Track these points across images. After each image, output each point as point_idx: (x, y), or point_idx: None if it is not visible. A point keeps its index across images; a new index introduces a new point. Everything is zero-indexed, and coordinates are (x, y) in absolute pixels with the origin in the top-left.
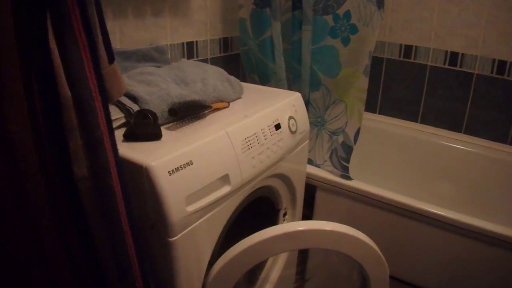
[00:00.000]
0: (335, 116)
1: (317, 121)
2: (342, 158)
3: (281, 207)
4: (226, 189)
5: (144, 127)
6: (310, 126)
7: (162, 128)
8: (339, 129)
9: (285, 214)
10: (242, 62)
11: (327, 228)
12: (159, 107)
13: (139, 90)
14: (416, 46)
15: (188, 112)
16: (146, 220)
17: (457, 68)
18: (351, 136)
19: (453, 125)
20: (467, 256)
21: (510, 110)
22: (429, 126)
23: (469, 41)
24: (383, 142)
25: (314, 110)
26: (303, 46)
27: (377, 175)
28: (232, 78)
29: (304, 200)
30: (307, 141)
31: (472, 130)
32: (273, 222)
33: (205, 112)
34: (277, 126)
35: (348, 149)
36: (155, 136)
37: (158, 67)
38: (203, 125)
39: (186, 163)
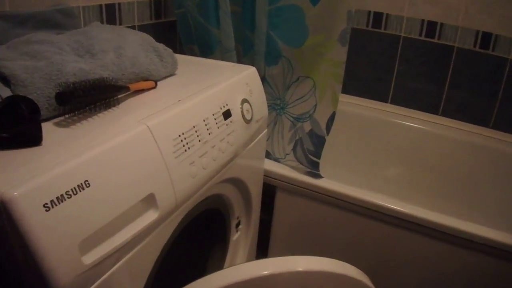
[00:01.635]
0: (299, 97)
1: (275, 104)
2: (310, 152)
3: (233, 218)
4: (151, 217)
5: (14, 125)
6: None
7: (46, 125)
8: (305, 114)
9: (238, 224)
10: (178, 29)
11: (301, 269)
12: (43, 91)
13: (15, 66)
14: (387, 14)
15: (89, 97)
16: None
17: (435, 40)
18: (322, 124)
19: (429, 106)
20: (449, 262)
21: (493, 90)
22: (400, 107)
23: (449, 10)
24: (348, 127)
25: (271, 89)
26: (257, 6)
27: (344, 167)
28: (161, 46)
29: (262, 201)
30: (265, 131)
31: (450, 112)
32: (224, 236)
33: (118, 96)
34: (226, 114)
35: (318, 140)
36: (30, 139)
37: None
38: (112, 118)
39: (79, 185)
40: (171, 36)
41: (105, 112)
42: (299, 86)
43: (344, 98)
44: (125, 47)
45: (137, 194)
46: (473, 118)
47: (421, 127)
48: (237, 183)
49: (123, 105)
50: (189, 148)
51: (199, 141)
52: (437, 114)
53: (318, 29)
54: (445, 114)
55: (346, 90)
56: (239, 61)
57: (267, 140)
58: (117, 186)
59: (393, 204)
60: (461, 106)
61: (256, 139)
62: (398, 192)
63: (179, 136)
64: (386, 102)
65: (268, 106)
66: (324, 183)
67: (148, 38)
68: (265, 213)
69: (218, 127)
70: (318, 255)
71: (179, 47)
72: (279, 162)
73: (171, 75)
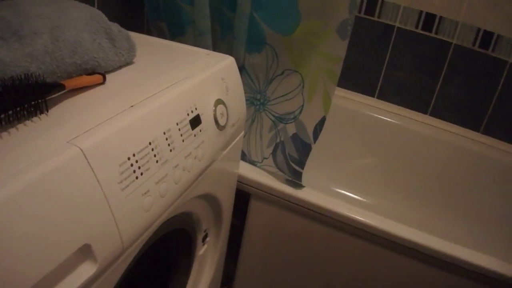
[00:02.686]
0: (283, 94)
1: (254, 98)
2: (292, 159)
3: (200, 232)
4: (87, 272)
5: None
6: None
7: None
8: (289, 114)
9: (205, 237)
10: (144, 1)
11: None
12: None
13: None
14: (382, 1)
15: (6, 103)
16: None
17: (432, 35)
18: (309, 129)
19: (418, 104)
20: None
21: (488, 93)
22: (388, 103)
23: (450, 3)
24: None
25: (251, 81)
26: None
27: (318, 159)
28: (115, 27)
29: (234, 206)
30: (242, 133)
31: (440, 112)
32: (189, 252)
33: (48, 97)
34: (195, 121)
35: (303, 147)
36: None
37: None
38: (32, 135)
39: None
40: (137, 11)
41: (26, 123)
42: (284, 81)
43: None
44: (65, 27)
45: (65, 249)
46: (464, 120)
47: (408, 126)
48: (207, 198)
49: (53, 112)
50: (141, 174)
51: (157, 162)
52: (426, 113)
53: (313, 15)
54: (434, 114)
55: None
56: (215, 45)
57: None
58: (33, 240)
59: (376, 222)
60: (453, 106)
61: (231, 145)
62: (374, 189)
63: (128, 159)
64: (373, 96)
65: (246, 100)
66: (305, 194)
67: (98, 15)
68: (237, 219)
69: (183, 140)
70: (290, 268)
71: (147, 24)
72: (255, 165)
73: (127, 64)
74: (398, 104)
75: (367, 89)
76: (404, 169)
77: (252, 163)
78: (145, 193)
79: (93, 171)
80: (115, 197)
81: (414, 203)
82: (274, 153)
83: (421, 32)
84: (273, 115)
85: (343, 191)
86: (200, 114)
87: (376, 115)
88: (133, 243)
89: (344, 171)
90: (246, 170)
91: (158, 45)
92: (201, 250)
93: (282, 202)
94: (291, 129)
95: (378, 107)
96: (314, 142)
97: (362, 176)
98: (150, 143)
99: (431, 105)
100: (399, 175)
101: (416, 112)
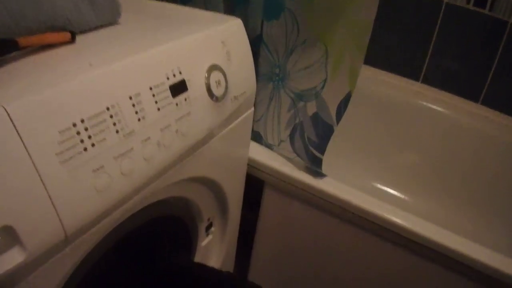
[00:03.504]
0: (304, 66)
1: (272, 73)
2: (312, 143)
3: (201, 221)
4: (12, 260)
5: None
6: (262, 81)
7: None
8: (310, 90)
9: (210, 227)
10: None
11: None
12: None
13: None
14: None
15: None
16: None
17: (485, 11)
18: (332, 107)
19: (469, 92)
20: None
21: (487, 59)
22: (434, 89)
23: None
24: (368, 107)
25: (269, 54)
26: None
27: (346, 151)
28: None
29: (247, 195)
30: (251, 110)
31: (494, 102)
32: (189, 243)
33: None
34: (178, 87)
35: (324, 130)
36: None
37: None
38: None
39: None
40: None
41: None
42: (305, 52)
43: None
44: None
45: None
46: (461, 89)
47: (454, 116)
48: (206, 183)
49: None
50: (93, 145)
51: (117, 132)
52: (418, 81)
53: None
54: (426, 81)
55: None
56: (227, 13)
57: (258, 119)
58: None
59: (412, 225)
60: (510, 95)
61: (235, 123)
62: (415, 186)
63: (74, 125)
64: (417, 80)
65: (264, 75)
66: (326, 185)
67: None
68: (250, 210)
69: (158, 109)
70: (306, 265)
71: None
72: (271, 149)
73: (110, 24)
74: (446, 91)
75: (410, 73)
76: (451, 166)
77: (269, 146)
78: (98, 170)
79: (19, 136)
80: (51, 171)
81: (462, 206)
82: (292, 135)
83: (473, 8)
84: (292, 92)
85: (381, 186)
86: (186, 79)
87: (420, 102)
88: (85, 230)
89: (383, 164)
90: (261, 154)
91: (154, 6)
92: (205, 241)
93: (299, 192)
94: (311, 108)
95: (422, 93)
96: (337, 123)
97: (402, 171)
98: (108, 108)
99: (483, 93)
100: (445, 172)
101: (467, 100)
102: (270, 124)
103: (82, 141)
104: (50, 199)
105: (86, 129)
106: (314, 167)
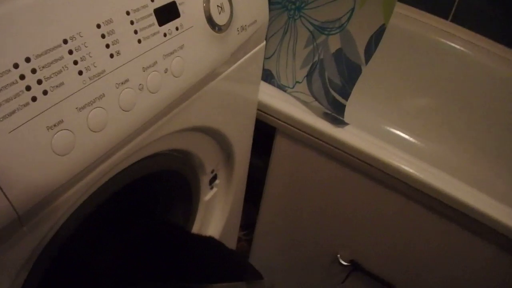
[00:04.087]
0: None
1: (287, 0)
2: (334, 87)
3: (203, 174)
4: None
5: None
6: (275, 9)
7: None
8: (333, 22)
9: (214, 179)
10: None
11: None
12: None
13: None
14: None
15: None
16: None
17: None
18: (360, 43)
19: (439, 9)
20: None
21: None
22: (465, 29)
23: None
24: (388, 44)
25: None
26: None
27: (379, 103)
28: None
29: (254, 142)
30: (262, 45)
31: (463, 20)
32: (189, 198)
33: None
34: (167, 12)
35: (349, 70)
36: None
37: None
38: None
39: None
40: None
41: None
42: None
43: None
44: None
45: None
46: (488, 30)
47: (484, 60)
48: (208, 132)
49: None
50: (45, 93)
51: (80, 73)
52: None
53: None
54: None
55: None
56: None
57: (270, 56)
58: None
59: (439, 182)
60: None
61: (243, 59)
62: (432, 131)
63: (15, 66)
64: (446, 18)
65: (277, 3)
66: (347, 135)
67: None
68: (260, 158)
69: (139, 41)
70: (316, 218)
71: None
72: (284, 91)
73: None
74: (477, 32)
75: (439, 10)
76: (470, 113)
77: (282, 88)
78: (55, 126)
79: None
80: None
81: (479, 154)
82: (309, 76)
83: None
84: (311, 24)
85: (393, 130)
86: (177, 2)
87: (446, 42)
88: (48, 203)
89: (399, 107)
90: (272, 98)
91: None
92: (208, 195)
93: (316, 142)
94: (334, 43)
95: (450, 33)
96: (366, 62)
97: (416, 115)
98: (65, 41)
99: (453, 9)
100: (463, 119)
101: (499, 45)
102: (284, 61)
103: (28, 88)
104: None
105: (33, 71)
106: (336, 113)
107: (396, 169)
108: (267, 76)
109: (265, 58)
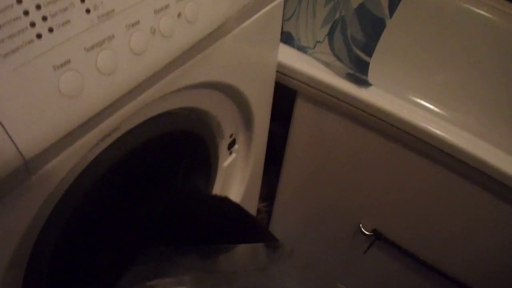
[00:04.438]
0: None
1: None
2: (357, 44)
3: (221, 138)
4: None
5: None
6: None
7: None
8: None
9: (233, 144)
10: None
11: None
12: None
13: None
14: None
15: None
16: None
17: None
18: None
19: None
20: None
21: None
22: None
23: None
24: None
25: None
26: None
27: (404, 72)
28: None
29: (274, 107)
30: (279, 1)
31: None
32: (208, 163)
33: None
34: None
35: (372, 25)
36: None
37: None
38: None
39: None
40: None
41: None
42: None
43: None
44: None
45: None
46: None
47: None
48: (224, 90)
49: None
50: (50, 31)
51: (88, 12)
52: None
53: None
54: None
55: None
56: None
57: (289, 17)
58: None
59: (463, 142)
60: None
61: (258, 14)
62: (459, 102)
63: (18, 2)
64: None
65: None
66: (371, 96)
67: None
68: (279, 125)
69: None
70: (340, 187)
71: None
72: (305, 52)
73: None
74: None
75: None
76: (499, 82)
77: (302, 49)
78: (62, 66)
79: None
80: None
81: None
82: (331, 34)
83: None
84: None
85: (417, 99)
86: None
87: (473, 8)
88: (57, 151)
89: (421, 75)
90: (292, 59)
91: None
92: (227, 160)
93: (338, 104)
94: None
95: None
96: (390, 16)
97: (442, 85)
98: None
99: None
100: (492, 89)
101: None
102: (304, 21)
103: (33, 24)
104: None
105: (38, 7)
106: (359, 72)
107: (423, 131)
108: (287, 38)
109: (284, 20)
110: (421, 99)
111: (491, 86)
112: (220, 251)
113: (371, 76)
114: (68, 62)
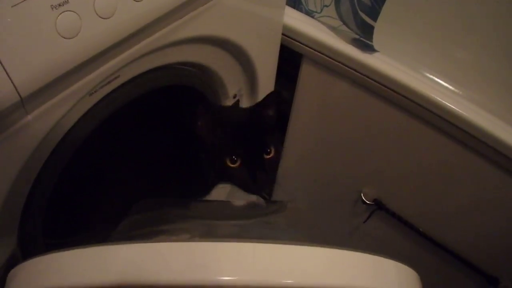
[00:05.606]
0: None
1: None
2: (363, 7)
3: (225, 97)
4: None
5: None
6: None
7: None
8: None
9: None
10: None
11: None
12: None
13: None
14: None
15: None
16: None
17: None
18: None
19: None
20: None
21: None
22: None
23: None
24: None
25: None
26: None
27: (418, 47)
28: None
29: (279, 70)
30: None
31: None
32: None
33: None
34: None
35: None
36: None
37: None
38: None
39: None
40: None
41: None
42: None
43: None
44: None
45: None
46: None
47: None
48: (228, 48)
49: None
50: None
51: None
52: None
53: None
54: None
55: None
56: None
57: None
58: None
59: (468, 113)
60: None
61: None
62: (472, 81)
63: None
64: None
65: None
66: (376, 61)
67: None
68: (285, 88)
69: None
70: (343, 153)
71: None
72: (312, 17)
73: None
74: None
75: None
76: None
77: (309, 13)
78: (60, 5)
79: None
80: None
81: None
82: None
83: None
84: None
85: (431, 75)
86: None
87: None
88: (55, 92)
89: (435, 50)
90: (299, 22)
91: None
92: None
93: (343, 69)
94: None
95: None
96: None
97: (457, 62)
98: None
99: None
100: (507, 67)
101: None
102: None
103: None
104: None
105: None
106: (365, 37)
107: (429, 100)
108: (295, 2)
109: None
110: (434, 75)
111: (507, 65)
112: (214, 205)
113: (385, 49)
114: (66, 2)
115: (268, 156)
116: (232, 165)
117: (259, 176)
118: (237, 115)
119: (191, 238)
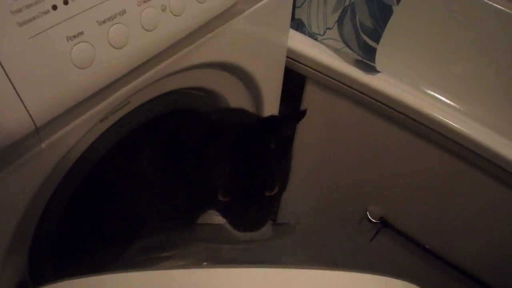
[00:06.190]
0: None
1: None
2: (365, 30)
3: None
4: None
5: None
6: None
7: None
8: None
9: None
10: None
11: None
12: None
13: None
14: None
15: None
16: None
17: None
18: None
19: None
20: None
21: None
22: None
23: None
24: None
25: None
26: None
27: (419, 64)
28: None
29: (284, 92)
30: None
31: None
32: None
33: None
34: None
35: (380, 10)
36: None
37: None
38: None
39: None
40: None
41: None
42: None
43: None
44: None
45: None
46: None
47: None
48: (235, 72)
49: None
50: (66, 3)
51: None
52: None
53: None
54: None
55: None
56: None
57: (300, 5)
58: None
59: (470, 130)
60: None
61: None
62: (473, 96)
63: None
64: None
65: None
66: (378, 82)
67: None
68: (285, 106)
69: None
70: (348, 172)
71: None
72: (315, 39)
73: None
74: None
75: None
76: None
77: (312, 36)
78: (75, 37)
79: None
80: (6, 36)
81: None
82: (340, 21)
83: None
84: None
85: (431, 92)
86: None
87: (495, 5)
88: (70, 119)
89: (435, 67)
90: (303, 45)
91: None
92: None
93: (347, 90)
94: None
95: None
96: (397, 2)
97: (456, 78)
98: None
99: None
100: (506, 82)
101: None
102: (315, 9)
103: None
104: (7, 77)
105: None
106: (367, 59)
107: (431, 119)
108: (298, 25)
109: (296, 7)
110: (435, 91)
111: (505, 79)
112: (218, 227)
113: (385, 66)
114: (81, 33)
115: (269, 194)
116: (222, 199)
117: (251, 215)
118: (240, 131)
119: (199, 264)
